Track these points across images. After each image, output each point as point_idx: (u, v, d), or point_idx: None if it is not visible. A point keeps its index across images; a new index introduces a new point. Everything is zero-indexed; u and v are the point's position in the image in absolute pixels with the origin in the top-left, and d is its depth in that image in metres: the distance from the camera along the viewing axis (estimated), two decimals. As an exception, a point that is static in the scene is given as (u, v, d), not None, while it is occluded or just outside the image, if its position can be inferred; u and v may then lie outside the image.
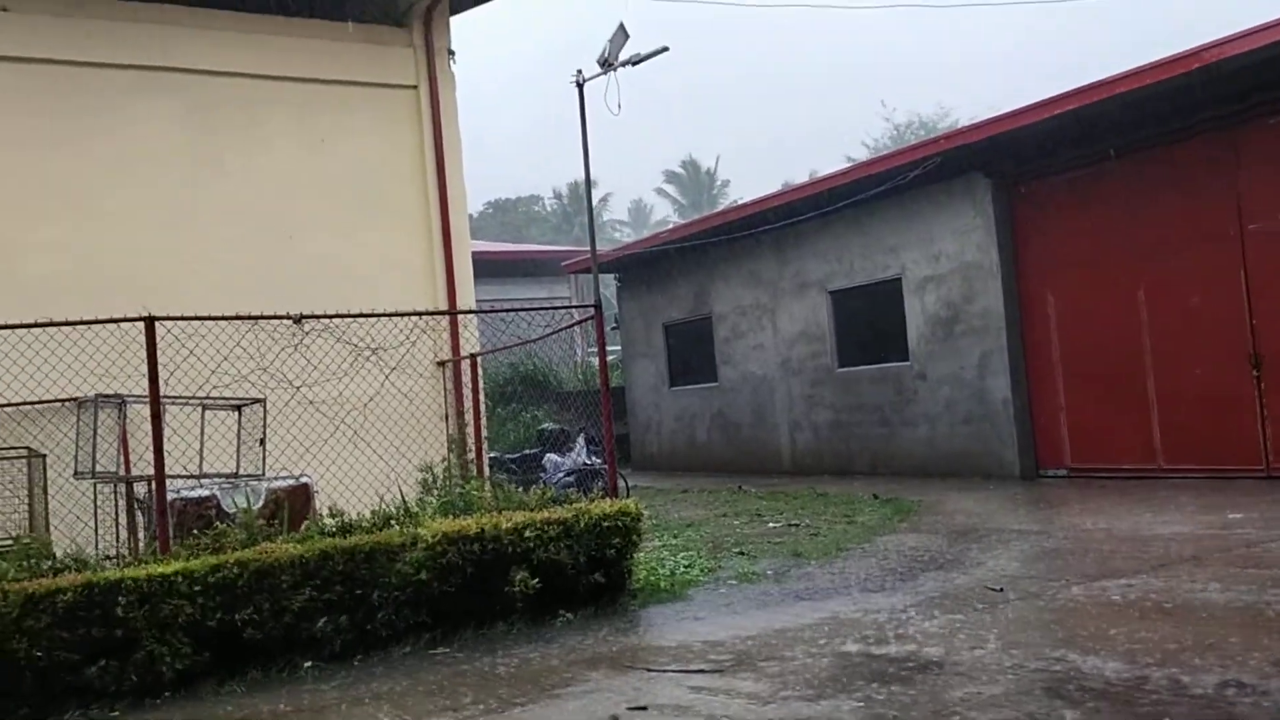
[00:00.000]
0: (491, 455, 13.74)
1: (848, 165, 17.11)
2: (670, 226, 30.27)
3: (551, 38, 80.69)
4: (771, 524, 11.92)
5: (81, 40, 10.07)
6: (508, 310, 10.98)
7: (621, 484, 13.37)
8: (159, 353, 7.33)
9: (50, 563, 6.79)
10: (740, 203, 21.23)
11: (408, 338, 10.22)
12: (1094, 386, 13.91)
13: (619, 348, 23.88)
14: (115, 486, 9.05)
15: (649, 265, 21.77)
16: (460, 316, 11.36)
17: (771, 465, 18.76)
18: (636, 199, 65.73)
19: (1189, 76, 11.56)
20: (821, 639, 6.58)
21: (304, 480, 8.98)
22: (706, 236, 19.53)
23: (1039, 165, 14.28)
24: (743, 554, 9.97)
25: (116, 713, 6.12)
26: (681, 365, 21.50)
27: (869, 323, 16.94)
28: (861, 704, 5.13)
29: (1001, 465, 14.67)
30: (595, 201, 57.87)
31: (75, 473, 8.68)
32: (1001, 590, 7.56)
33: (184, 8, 10.59)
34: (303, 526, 7.78)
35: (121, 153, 10.21)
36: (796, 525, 11.62)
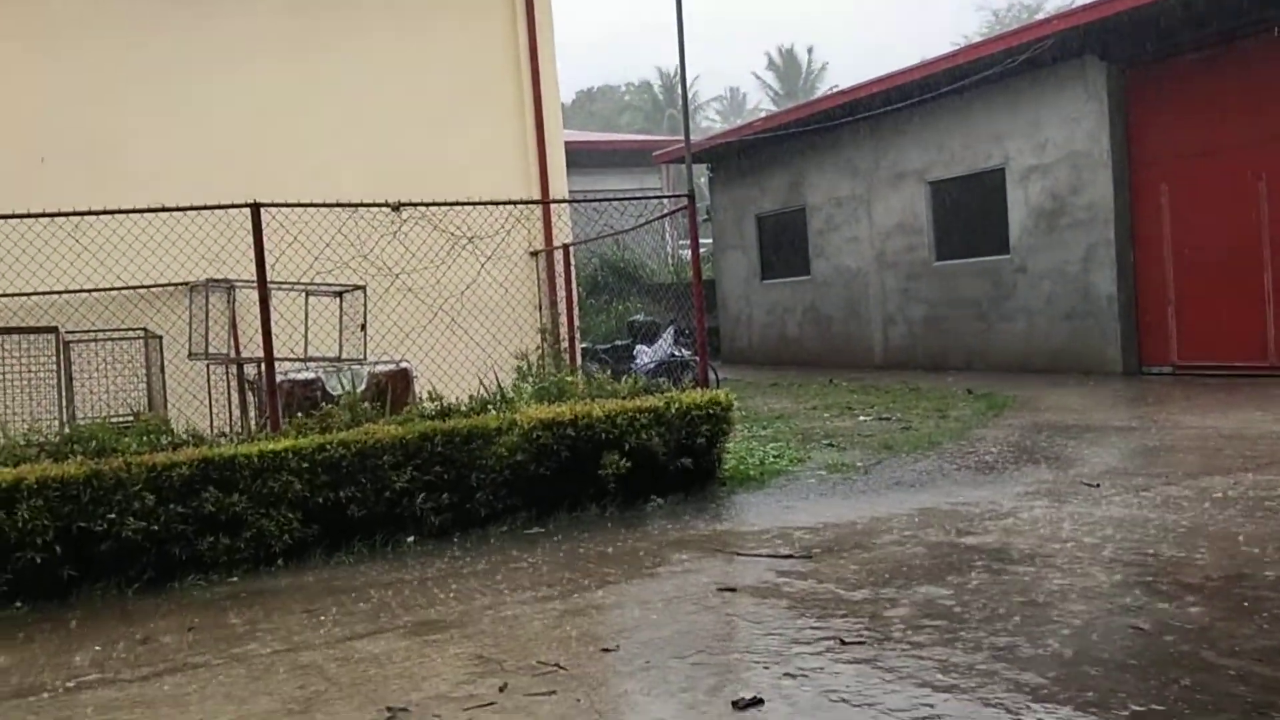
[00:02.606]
0: (583, 346, 13.89)
1: (953, 49, 16.43)
2: (764, 115, 29.55)
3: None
4: (862, 417, 11.89)
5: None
6: (599, 200, 10.93)
7: (711, 376, 13.43)
8: (264, 239, 7.53)
9: (169, 438, 7.14)
10: (837, 89, 20.59)
11: (502, 227, 10.29)
12: (1206, 281, 13.37)
13: (710, 240, 23.69)
14: (226, 368, 9.43)
15: (742, 155, 21.39)
16: (553, 207, 11.38)
17: (863, 360, 18.61)
18: (731, 86, 64.30)
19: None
20: (911, 529, 6.60)
21: (404, 365, 9.22)
22: (801, 125, 19.07)
23: (1159, 47, 13.50)
24: (832, 446, 9.98)
25: (235, 578, 6.49)
26: (773, 258, 21.26)
27: (969, 215, 16.46)
28: (951, 592, 5.16)
29: (1103, 362, 14.30)
30: (688, 89, 56.70)
31: (189, 354, 9.06)
32: (1098, 486, 7.45)
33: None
34: (403, 410, 8.02)
35: (222, 41, 10.34)
36: (888, 419, 11.57)
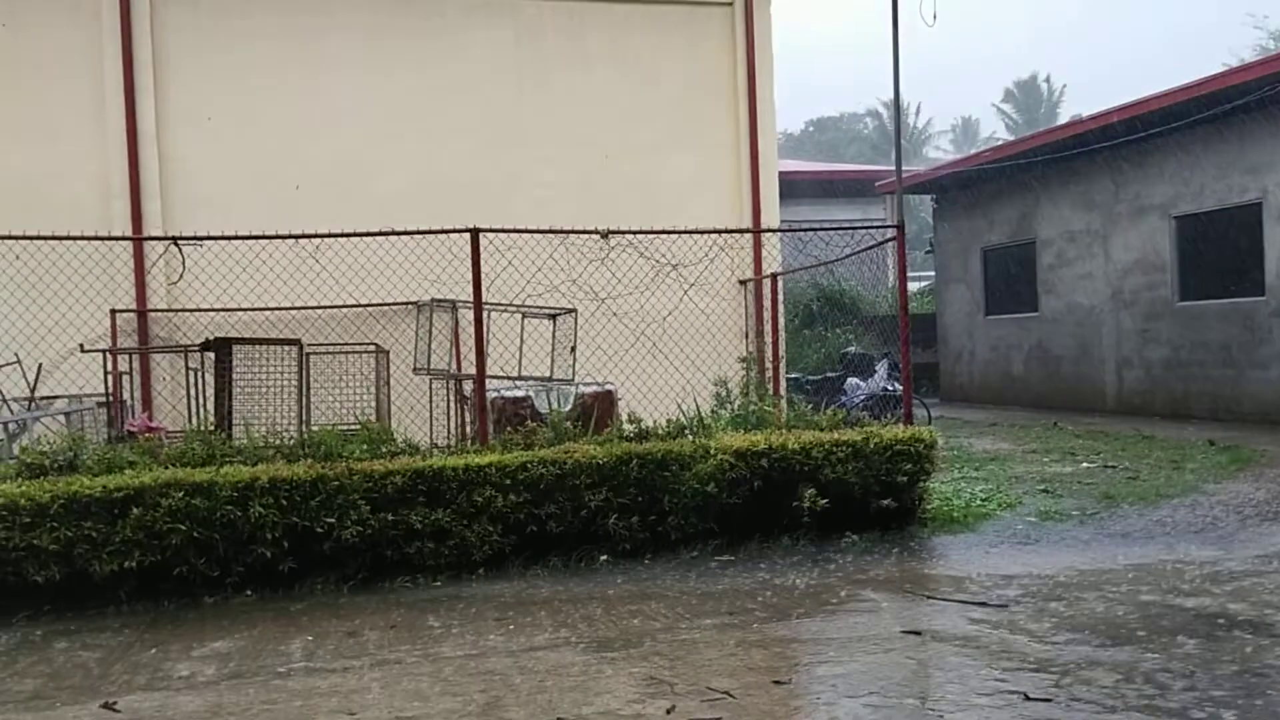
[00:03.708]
0: (790, 376, 13.78)
1: (1204, 76, 15.26)
2: (994, 145, 28.43)
3: (881, -53, 77.03)
4: (1085, 464, 11.20)
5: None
6: (807, 229, 10.83)
7: (922, 412, 13.01)
8: (482, 262, 7.95)
9: (388, 446, 7.63)
10: (1075, 119, 19.59)
11: (706, 254, 10.41)
12: None
13: (932, 273, 23.00)
14: (446, 382, 9.98)
15: (968, 186, 20.69)
16: (764, 236, 11.40)
17: (1093, 403, 17.52)
18: (965, 116, 62.34)
19: None
20: (1122, 585, 6.17)
21: (608, 387, 9.47)
22: (1033, 155, 18.25)
23: None
24: (1047, 492, 9.47)
25: (438, 583, 6.85)
26: (999, 293, 20.41)
27: (1218, 252, 15.23)
28: (1157, 655, 4.79)
29: (1372, 418, 12.87)
30: (918, 119, 55.44)
31: (414, 369, 9.66)
32: (1347, 554, 6.72)
33: (515, -64, 11.15)
34: (606, 430, 8.23)
35: (455, 75, 11.03)
36: (1113, 467, 10.85)
